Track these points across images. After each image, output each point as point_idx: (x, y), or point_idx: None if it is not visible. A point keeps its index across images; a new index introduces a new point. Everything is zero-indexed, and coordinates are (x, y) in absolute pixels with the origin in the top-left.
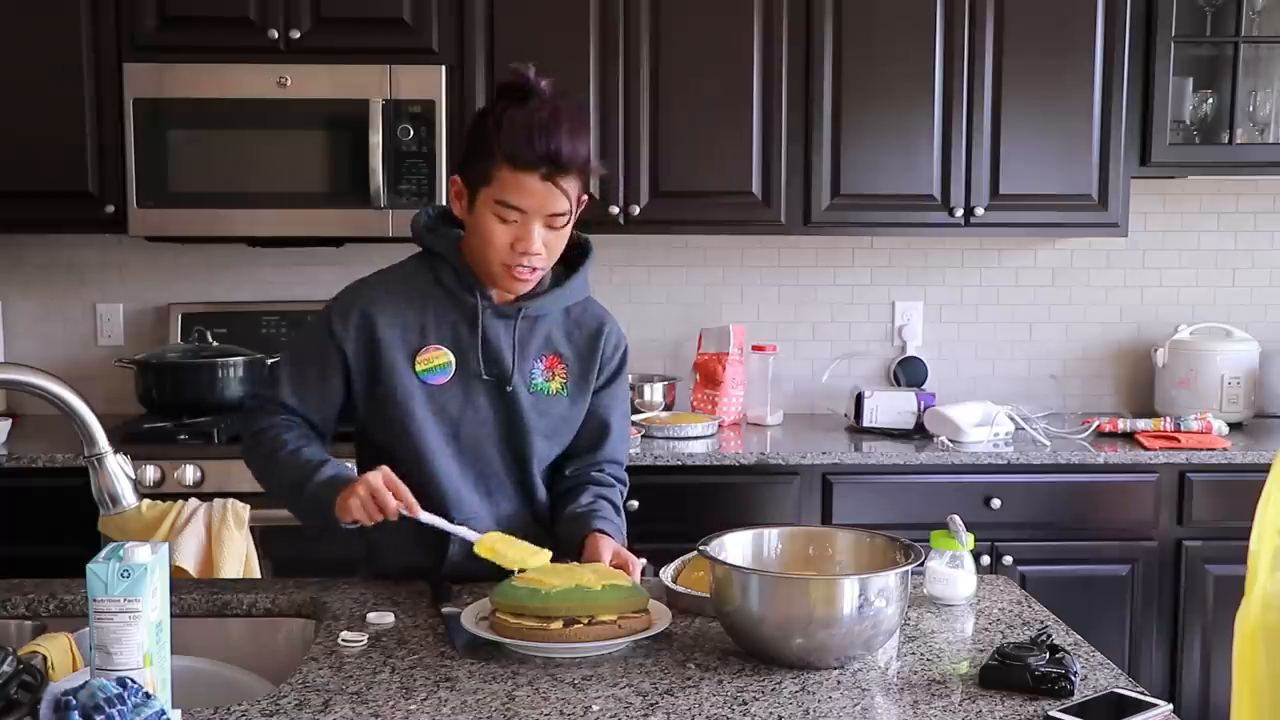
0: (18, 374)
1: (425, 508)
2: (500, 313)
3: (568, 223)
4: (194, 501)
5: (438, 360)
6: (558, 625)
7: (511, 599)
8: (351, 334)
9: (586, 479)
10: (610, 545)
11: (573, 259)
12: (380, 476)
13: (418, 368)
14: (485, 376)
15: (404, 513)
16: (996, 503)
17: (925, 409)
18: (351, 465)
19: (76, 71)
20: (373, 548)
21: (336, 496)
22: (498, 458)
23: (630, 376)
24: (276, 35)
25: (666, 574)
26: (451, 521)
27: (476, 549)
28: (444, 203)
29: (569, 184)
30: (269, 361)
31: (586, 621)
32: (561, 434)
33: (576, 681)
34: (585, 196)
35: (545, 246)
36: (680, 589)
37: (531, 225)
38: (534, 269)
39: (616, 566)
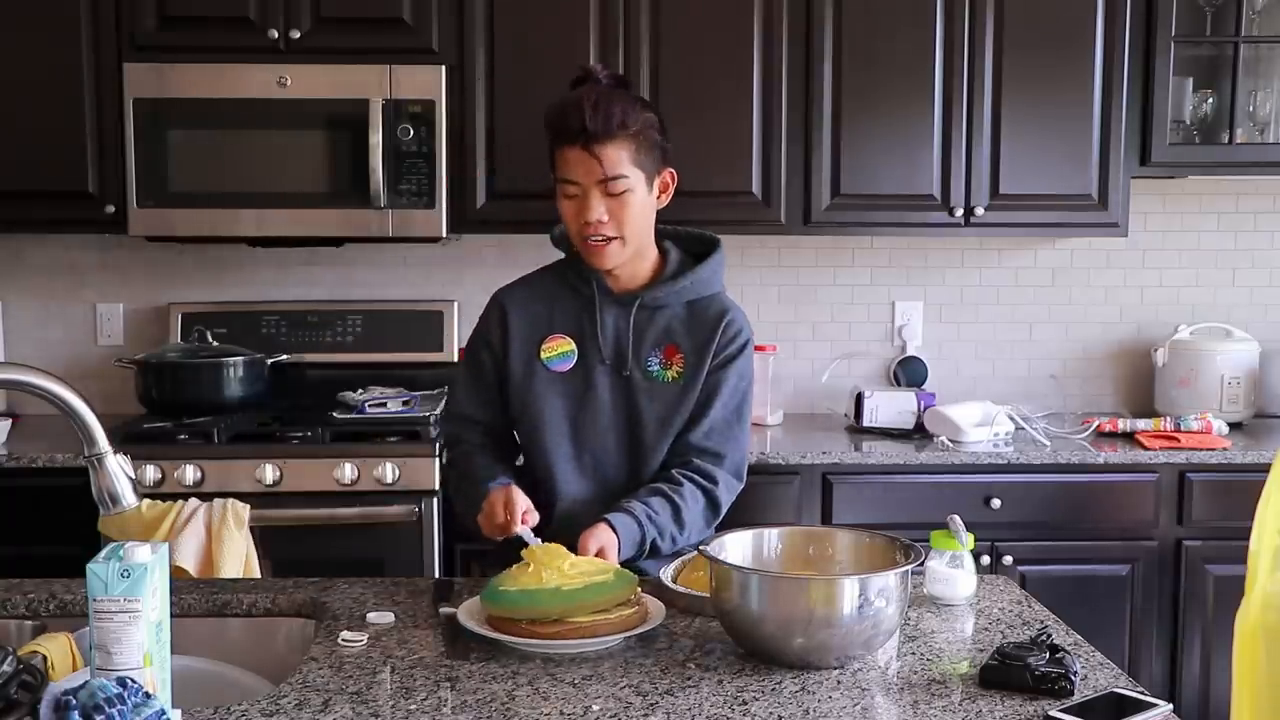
0: (18, 374)
1: (538, 488)
2: (618, 301)
3: (629, 191)
4: (194, 501)
5: (561, 348)
6: (551, 627)
7: (501, 604)
8: (493, 328)
9: (666, 476)
10: (595, 535)
11: (701, 255)
12: (501, 495)
13: (542, 355)
14: (604, 362)
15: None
16: (996, 503)
17: (925, 409)
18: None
19: (76, 71)
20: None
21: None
22: (613, 442)
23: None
24: (276, 35)
25: (666, 574)
26: (556, 505)
27: (524, 554)
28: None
29: (608, 151)
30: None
31: (584, 620)
32: (674, 421)
33: (576, 681)
34: (667, 172)
35: (611, 216)
36: (679, 588)
37: (589, 197)
38: (607, 240)
39: (597, 554)
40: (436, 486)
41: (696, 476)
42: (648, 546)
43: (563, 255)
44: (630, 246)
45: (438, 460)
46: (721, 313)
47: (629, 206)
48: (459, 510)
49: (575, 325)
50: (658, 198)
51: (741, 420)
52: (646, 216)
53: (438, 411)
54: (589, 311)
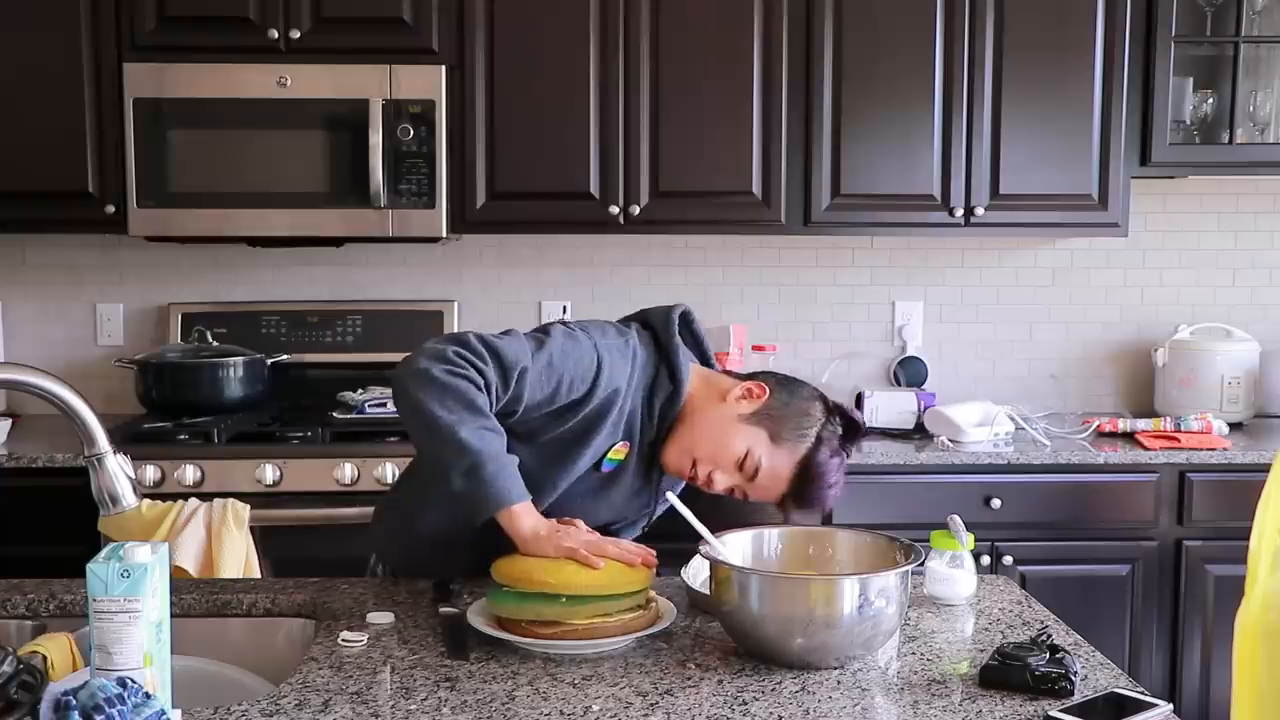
0: (18, 374)
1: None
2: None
3: None
4: (194, 501)
5: (619, 455)
6: (550, 627)
7: (516, 608)
8: (600, 395)
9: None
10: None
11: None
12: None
13: (609, 455)
14: (637, 477)
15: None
16: (996, 503)
17: (925, 409)
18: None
19: (76, 71)
20: (413, 545)
21: (515, 505)
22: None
23: None
24: (276, 35)
25: (686, 573)
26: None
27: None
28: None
29: (786, 509)
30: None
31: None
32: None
33: (576, 681)
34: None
35: (718, 489)
36: (703, 592)
37: (738, 481)
38: (696, 484)
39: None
40: None
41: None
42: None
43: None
44: None
45: None
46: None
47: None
48: (433, 434)
49: (629, 435)
50: None
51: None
52: None
53: None
54: (643, 439)
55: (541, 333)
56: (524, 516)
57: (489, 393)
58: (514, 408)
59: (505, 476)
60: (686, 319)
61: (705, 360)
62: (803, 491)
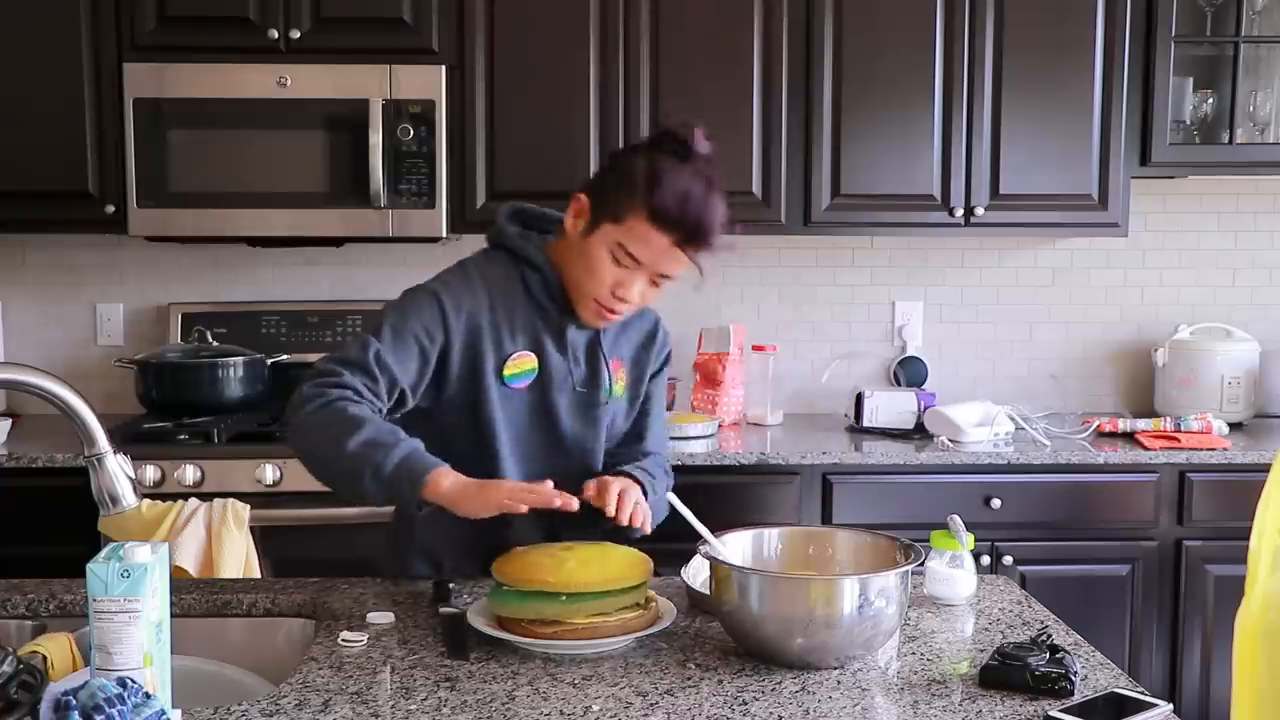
0: (18, 374)
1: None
2: (584, 325)
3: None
4: (194, 501)
5: (524, 365)
6: (550, 627)
7: (518, 608)
8: (459, 326)
9: (628, 460)
10: (611, 482)
11: None
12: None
13: (505, 372)
14: (579, 389)
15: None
16: (996, 503)
17: (925, 409)
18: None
19: (76, 71)
20: (420, 545)
21: (430, 473)
22: (566, 456)
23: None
24: (276, 35)
25: (686, 573)
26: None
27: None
28: (502, 213)
29: (696, 254)
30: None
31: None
32: (615, 430)
33: (576, 681)
34: None
35: (640, 298)
36: (703, 592)
37: (638, 276)
38: (619, 314)
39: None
40: None
41: (658, 467)
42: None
43: (501, 240)
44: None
45: None
46: (654, 326)
47: (657, 293)
48: (331, 452)
49: (536, 342)
50: None
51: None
52: None
53: None
54: (554, 334)
55: (372, 324)
56: (441, 481)
57: (364, 395)
58: (401, 391)
59: (405, 458)
60: (518, 213)
61: (550, 229)
62: (684, 225)
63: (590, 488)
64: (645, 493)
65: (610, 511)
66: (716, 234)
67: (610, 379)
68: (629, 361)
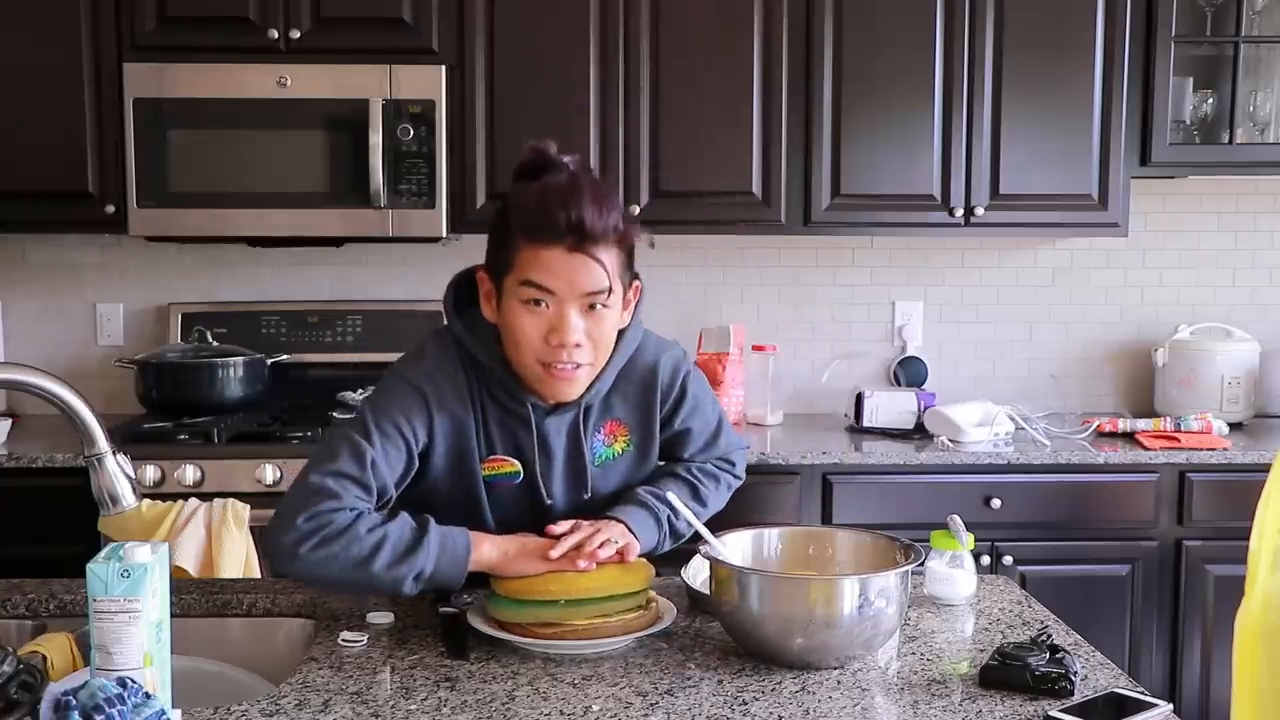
0: (18, 374)
1: None
2: (559, 411)
3: (609, 305)
4: (194, 501)
5: (505, 469)
6: (550, 628)
7: (517, 614)
8: (443, 426)
9: (666, 469)
10: (611, 536)
11: None
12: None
13: (486, 472)
14: (569, 474)
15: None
16: (996, 503)
17: (925, 409)
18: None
19: (76, 71)
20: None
21: (471, 554)
22: (555, 520)
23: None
24: (276, 35)
25: (686, 573)
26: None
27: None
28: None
29: (602, 254)
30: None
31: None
32: (626, 484)
33: (576, 681)
34: (636, 283)
35: (587, 337)
36: (703, 592)
37: (565, 310)
38: (577, 365)
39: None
40: None
41: (705, 469)
42: (666, 530)
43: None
44: (595, 371)
45: None
46: (650, 368)
47: (606, 324)
48: (356, 564)
49: (514, 446)
50: (620, 314)
51: (723, 418)
52: (614, 337)
53: None
54: (527, 432)
55: (356, 419)
56: (481, 550)
57: (361, 509)
58: (390, 495)
59: (440, 549)
60: (462, 288)
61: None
62: (556, 224)
63: (558, 528)
64: (656, 516)
65: (567, 563)
66: (606, 219)
67: (600, 443)
68: (630, 416)
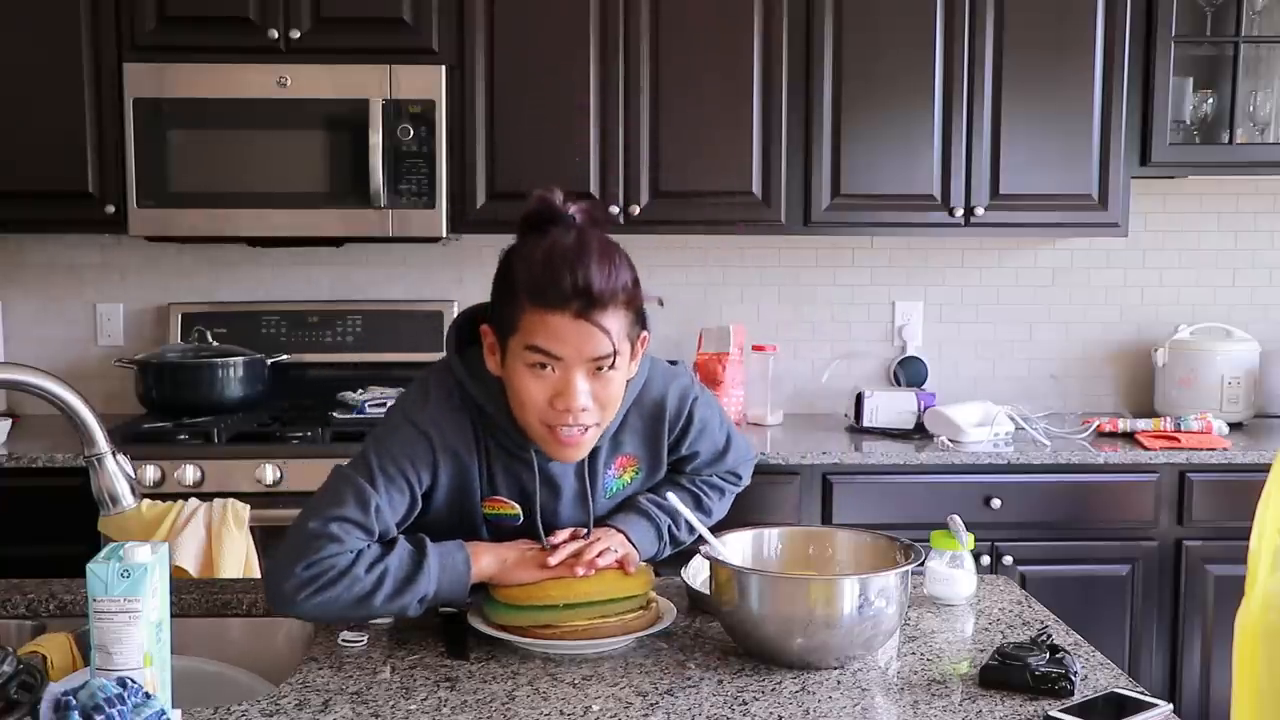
0: (18, 374)
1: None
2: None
3: (616, 367)
4: (194, 501)
5: (506, 510)
6: (549, 629)
7: (516, 616)
8: (447, 468)
9: (670, 479)
10: (610, 545)
11: None
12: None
13: (487, 510)
14: (574, 508)
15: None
16: (996, 503)
17: (925, 409)
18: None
19: (76, 71)
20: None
21: (471, 569)
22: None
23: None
24: (276, 35)
25: (686, 573)
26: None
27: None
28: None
29: (609, 320)
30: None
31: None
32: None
33: (576, 681)
34: (645, 334)
35: (594, 400)
36: (703, 592)
37: (572, 375)
38: (584, 428)
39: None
40: None
41: (707, 481)
42: (666, 540)
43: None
44: (603, 429)
45: None
46: (658, 401)
47: (613, 385)
48: (361, 594)
49: (518, 489)
50: (629, 369)
51: (733, 434)
52: (622, 392)
53: None
54: (530, 476)
55: (360, 460)
56: (481, 562)
57: (362, 553)
58: (391, 534)
59: (440, 569)
60: (465, 327)
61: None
62: (563, 290)
63: (557, 537)
64: (657, 526)
65: (565, 570)
66: (615, 281)
67: (611, 477)
68: (639, 449)
